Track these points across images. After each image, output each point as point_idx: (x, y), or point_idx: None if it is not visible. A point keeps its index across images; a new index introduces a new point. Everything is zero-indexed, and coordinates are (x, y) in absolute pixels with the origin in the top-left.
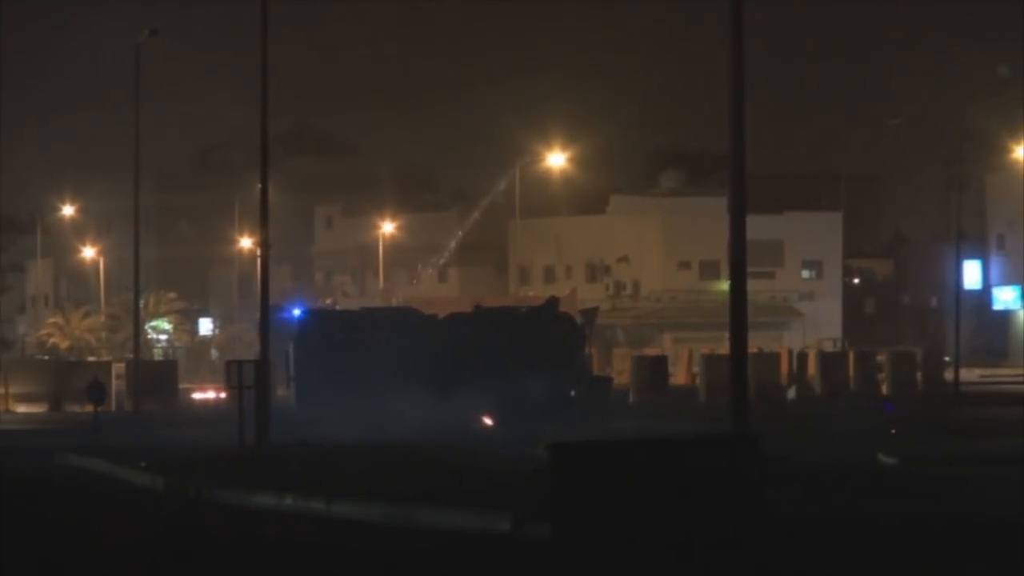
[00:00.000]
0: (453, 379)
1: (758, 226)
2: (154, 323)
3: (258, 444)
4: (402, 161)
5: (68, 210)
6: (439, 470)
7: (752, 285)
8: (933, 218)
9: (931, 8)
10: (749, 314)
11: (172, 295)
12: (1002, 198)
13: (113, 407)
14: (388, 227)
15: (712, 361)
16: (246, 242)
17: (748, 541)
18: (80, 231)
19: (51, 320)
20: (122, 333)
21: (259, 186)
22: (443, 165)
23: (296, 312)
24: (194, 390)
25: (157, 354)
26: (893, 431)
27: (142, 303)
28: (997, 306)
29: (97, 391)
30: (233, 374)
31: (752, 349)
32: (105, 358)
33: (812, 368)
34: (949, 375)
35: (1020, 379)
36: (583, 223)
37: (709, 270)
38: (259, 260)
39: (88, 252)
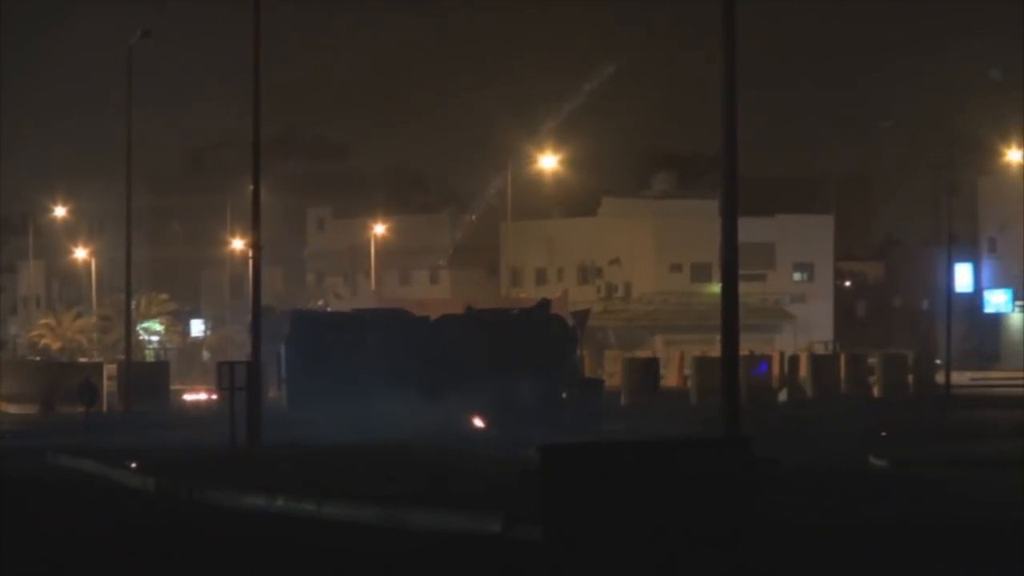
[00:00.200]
0: (444, 381)
1: (749, 229)
2: (146, 324)
3: (249, 445)
4: (393, 163)
5: (60, 211)
6: (431, 471)
7: (744, 287)
8: (924, 221)
9: (922, 11)
10: (740, 316)
11: (164, 296)
12: (993, 201)
13: (105, 408)
14: (380, 229)
15: (704, 363)
16: (238, 244)
17: (739, 543)
18: (72, 232)
19: (43, 321)
20: (114, 334)
21: (251, 188)
22: (434, 167)
23: None
24: (186, 391)
25: (149, 355)
26: (884, 434)
27: (134, 304)
28: (988, 309)
29: (89, 392)
30: (224, 375)
31: (744, 351)
32: (97, 359)
33: (803, 370)
34: (940, 378)
35: (1011, 382)
36: (575, 225)
37: (701, 272)
38: (251, 262)
39: (80, 253)
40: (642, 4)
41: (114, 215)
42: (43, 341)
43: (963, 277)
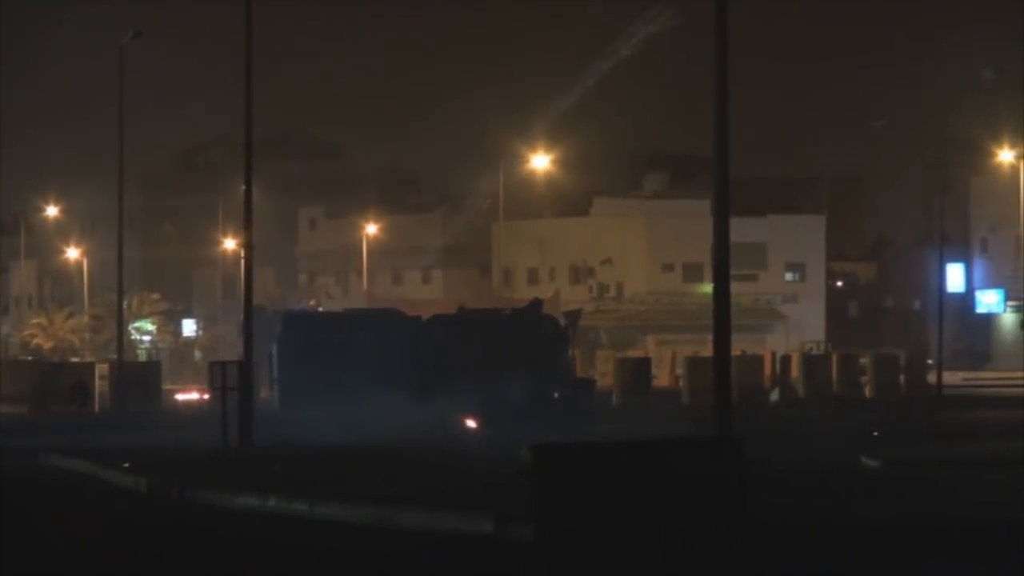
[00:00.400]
0: (436, 381)
1: (741, 229)
2: (138, 324)
3: (241, 445)
4: (385, 163)
5: (52, 211)
6: (422, 471)
7: (735, 288)
8: (916, 221)
9: (915, 10)
10: (732, 316)
11: (156, 296)
12: (985, 201)
13: (97, 408)
14: (372, 228)
15: (696, 363)
16: (230, 243)
17: (731, 543)
18: (64, 232)
19: (34, 321)
20: (105, 334)
21: (243, 188)
22: (426, 167)
23: None
24: (178, 391)
25: (140, 355)
26: (876, 433)
27: (125, 304)
28: (980, 309)
29: (81, 392)
30: (216, 375)
31: (735, 351)
32: (88, 359)
33: (795, 370)
34: (932, 378)
35: (1003, 382)
36: (567, 225)
37: (692, 272)
38: (243, 261)
39: (72, 253)
40: (640, 4)
41: (106, 215)
42: (35, 341)
43: (955, 277)
